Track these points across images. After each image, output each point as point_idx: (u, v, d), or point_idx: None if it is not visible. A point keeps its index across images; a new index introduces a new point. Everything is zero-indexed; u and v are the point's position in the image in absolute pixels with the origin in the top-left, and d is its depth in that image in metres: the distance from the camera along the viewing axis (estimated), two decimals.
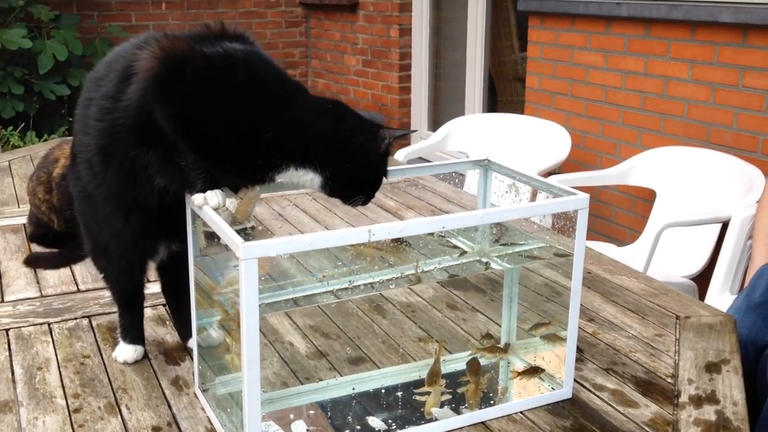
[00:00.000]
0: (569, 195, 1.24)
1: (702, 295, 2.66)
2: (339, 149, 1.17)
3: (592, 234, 3.64)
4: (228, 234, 1.06)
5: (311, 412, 1.30)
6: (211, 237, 1.22)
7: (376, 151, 1.19)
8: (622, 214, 3.53)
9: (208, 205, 1.15)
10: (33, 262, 1.84)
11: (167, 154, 1.15)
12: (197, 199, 1.16)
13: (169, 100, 1.11)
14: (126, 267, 1.36)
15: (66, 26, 4.75)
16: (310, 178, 1.17)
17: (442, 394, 1.29)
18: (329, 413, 1.30)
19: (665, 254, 2.88)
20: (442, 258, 1.31)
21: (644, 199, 3.33)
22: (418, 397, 1.30)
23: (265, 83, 1.17)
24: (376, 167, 1.21)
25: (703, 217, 2.73)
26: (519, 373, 1.37)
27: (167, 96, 1.11)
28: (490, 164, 1.42)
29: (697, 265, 2.90)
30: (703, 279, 2.74)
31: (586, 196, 1.22)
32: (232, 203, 2.09)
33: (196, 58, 1.12)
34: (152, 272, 1.57)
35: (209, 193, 1.16)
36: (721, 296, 2.48)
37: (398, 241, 1.24)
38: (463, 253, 1.34)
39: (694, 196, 2.98)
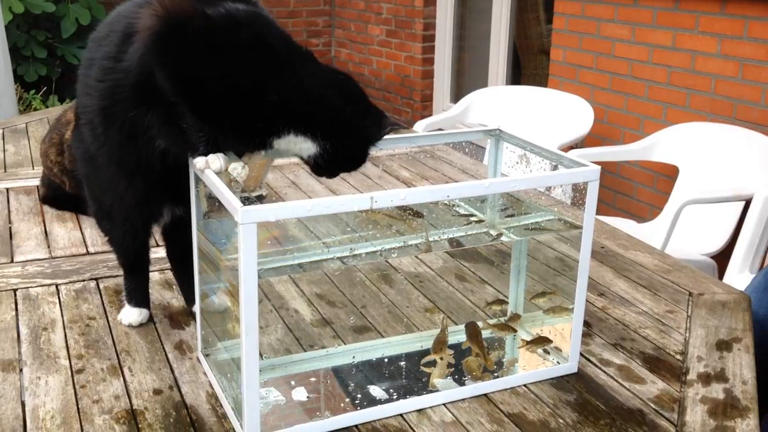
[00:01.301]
0: (579, 166, 1.21)
1: (722, 274, 2.61)
2: (344, 126, 1.16)
3: (613, 210, 3.59)
4: (228, 198, 1.04)
5: (312, 379, 1.30)
6: (215, 200, 1.21)
7: (375, 136, 1.18)
8: (643, 190, 3.47)
9: (209, 169, 1.14)
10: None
11: (168, 116, 1.14)
12: (199, 162, 1.14)
13: (170, 60, 1.09)
14: (130, 230, 1.35)
15: None
16: (308, 146, 1.15)
17: (449, 365, 1.28)
18: (329, 381, 1.29)
19: (686, 231, 2.83)
20: (451, 228, 1.28)
21: (667, 175, 3.27)
22: (423, 368, 1.28)
23: (271, 46, 1.14)
24: (366, 152, 1.20)
25: (725, 195, 2.68)
26: (527, 342, 1.35)
27: (168, 55, 1.09)
28: (501, 134, 1.39)
29: (718, 243, 2.85)
30: (723, 257, 2.70)
31: (596, 168, 1.19)
32: (244, 170, 2.08)
33: (198, 17, 1.10)
34: (159, 236, 1.57)
35: (211, 156, 1.14)
36: (740, 275, 2.44)
37: (411, 211, 1.22)
38: (480, 221, 1.32)
39: (718, 173, 2.91)
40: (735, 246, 2.51)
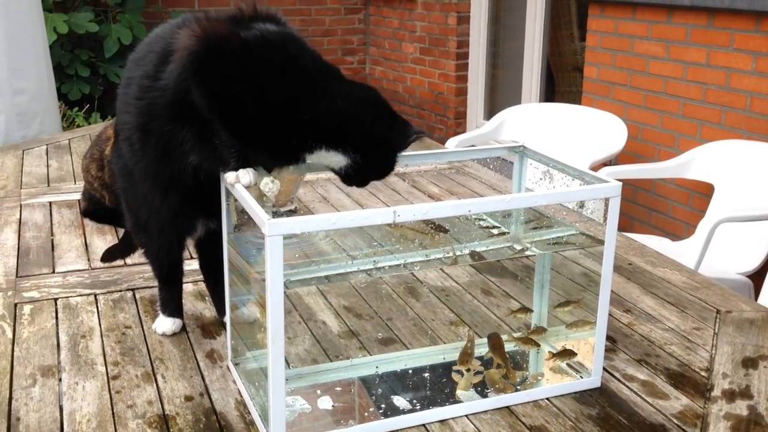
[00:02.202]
0: (601, 183, 1.23)
1: (758, 293, 2.58)
2: (372, 138, 1.21)
3: (648, 227, 3.57)
4: (255, 210, 1.08)
5: (338, 388, 1.32)
6: (244, 214, 1.25)
7: (401, 146, 1.23)
8: (678, 208, 3.44)
9: (240, 183, 1.18)
10: (108, 256, 1.85)
11: (202, 132, 1.18)
12: (230, 177, 1.19)
13: (207, 79, 1.14)
14: (165, 243, 1.40)
15: (131, 11, 4.88)
16: (338, 159, 1.20)
17: (476, 374, 1.30)
18: (354, 390, 1.32)
19: (722, 250, 2.81)
20: (475, 242, 1.31)
21: (702, 193, 3.24)
22: (454, 376, 1.30)
23: (302, 66, 1.19)
24: (394, 160, 1.24)
25: (760, 213, 2.65)
26: (553, 355, 1.37)
27: (205, 74, 1.14)
28: (525, 150, 1.42)
29: (755, 262, 2.82)
30: (759, 277, 2.66)
31: (617, 184, 1.20)
32: (275, 185, 2.13)
33: (234, 39, 1.15)
34: (194, 249, 1.61)
35: (242, 171, 1.19)
36: None
37: (433, 225, 1.25)
38: (503, 233, 1.34)
39: (754, 191, 2.88)
40: None
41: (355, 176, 1.23)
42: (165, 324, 1.47)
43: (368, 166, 1.22)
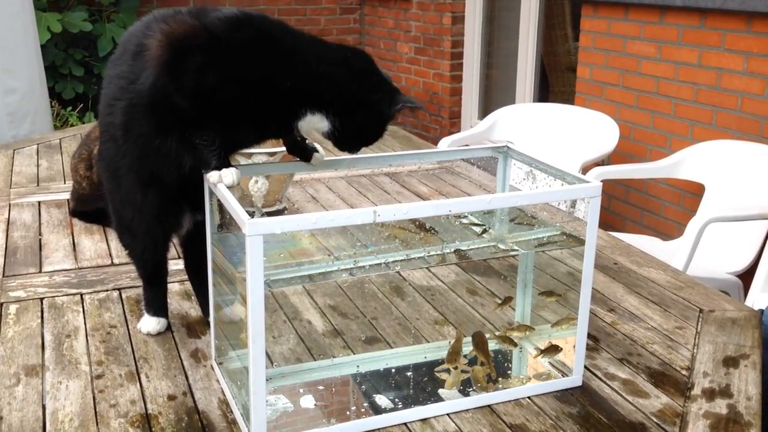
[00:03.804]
0: (582, 183, 1.24)
1: (748, 292, 2.59)
2: (354, 99, 1.22)
3: (640, 227, 3.58)
4: (236, 210, 1.09)
5: (320, 387, 1.33)
6: (226, 213, 1.26)
7: (387, 112, 1.24)
8: (670, 208, 3.45)
9: (222, 183, 1.19)
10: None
11: (181, 134, 1.19)
12: (212, 176, 1.19)
13: (183, 82, 1.16)
14: (149, 244, 1.40)
15: (125, 10, 4.89)
16: (324, 124, 1.22)
17: (462, 371, 1.31)
18: (337, 389, 1.33)
19: (712, 250, 2.81)
20: (460, 242, 1.31)
21: (693, 193, 3.25)
22: (438, 375, 1.31)
23: (274, 36, 1.22)
24: (381, 126, 1.25)
25: (749, 213, 2.66)
26: (541, 351, 1.37)
27: (180, 78, 1.16)
28: (509, 151, 1.42)
29: (744, 261, 2.83)
30: (749, 276, 2.67)
31: (598, 185, 1.21)
32: (264, 185, 2.12)
33: (198, 32, 1.18)
34: (180, 249, 1.61)
35: (224, 171, 1.19)
36: (763, 293, 2.42)
37: (417, 223, 1.26)
38: (485, 230, 1.35)
39: (744, 191, 2.89)
40: (759, 264, 2.49)
41: (343, 140, 1.24)
42: (150, 324, 1.48)
43: (353, 128, 1.23)
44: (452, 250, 1.29)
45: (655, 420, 1.22)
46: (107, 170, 1.39)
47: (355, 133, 1.24)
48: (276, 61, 1.19)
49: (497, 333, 1.41)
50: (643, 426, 1.21)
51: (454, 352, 1.32)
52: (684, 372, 1.36)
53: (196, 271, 1.51)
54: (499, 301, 1.47)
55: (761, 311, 1.70)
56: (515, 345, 1.39)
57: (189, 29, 1.17)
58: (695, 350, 1.43)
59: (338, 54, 1.23)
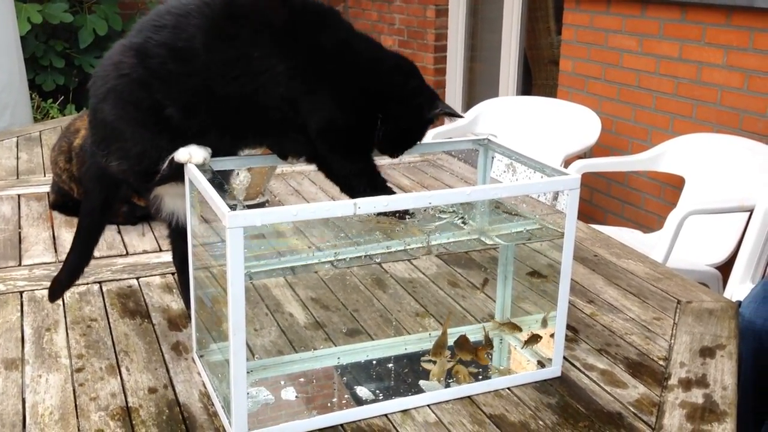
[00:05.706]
0: (561, 175, 1.25)
1: (726, 284, 2.62)
2: (404, 106, 1.26)
3: (621, 220, 3.60)
4: (215, 201, 1.09)
5: (302, 379, 1.34)
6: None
7: (426, 116, 1.27)
8: (651, 200, 3.48)
9: (191, 162, 1.18)
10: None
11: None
12: (181, 154, 1.19)
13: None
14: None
15: (107, 1, 4.84)
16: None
17: (448, 361, 1.31)
18: (318, 381, 1.33)
19: (691, 242, 2.84)
20: (438, 234, 1.32)
21: (674, 186, 3.28)
22: (423, 365, 1.32)
23: (347, 42, 1.27)
24: (420, 130, 1.28)
25: (727, 206, 2.69)
26: (526, 342, 1.38)
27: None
28: (489, 144, 1.43)
29: (723, 253, 2.86)
30: (728, 268, 2.70)
31: (576, 177, 1.22)
32: (246, 178, 2.12)
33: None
34: (164, 241, 1.61)
35: (193, 148, 1.18)
36: (742, 285, 2.45)
37: (404, 216, 1.27)
38: (464, 221, 1.36)
39: (723, 183, 2.92)
40: (737, 256, 2.52)
41: (387, 143, 1.27)
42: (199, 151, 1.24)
43: (397, 132, 1.26)
44: (435, 242, 1.30)
45: (632, 410, 1.24)
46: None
47: (398, 137, 1.27)
48: (349, 67, 1.22)
49: (500, 322, 1.41)
50: (620, 415, 1.22)
51: (440, 345, 1.32)
52: (661, 362, 1.38)
53: (184, 263, 1.50)
54: (479, 288, 1.47)
55: (739, 303, 1.72)
56: (520, 330, 1.40)
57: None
58: (672, 341, 1.45)
59: (392, 60, 1.28)
